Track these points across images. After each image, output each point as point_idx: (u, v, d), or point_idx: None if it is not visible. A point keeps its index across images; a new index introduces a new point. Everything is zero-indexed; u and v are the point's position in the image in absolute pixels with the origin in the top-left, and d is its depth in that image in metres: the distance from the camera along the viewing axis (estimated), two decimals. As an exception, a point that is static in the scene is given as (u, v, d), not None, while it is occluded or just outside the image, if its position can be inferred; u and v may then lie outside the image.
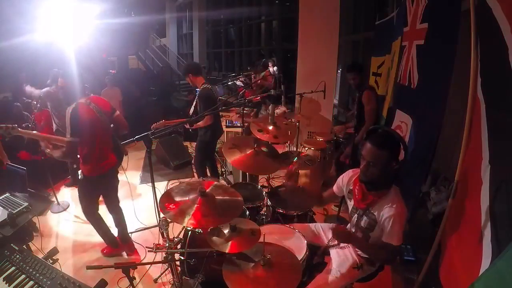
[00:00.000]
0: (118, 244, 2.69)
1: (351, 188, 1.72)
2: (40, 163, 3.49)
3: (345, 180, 1.80)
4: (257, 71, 5.85)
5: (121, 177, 2.65)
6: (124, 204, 2.78)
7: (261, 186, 2.71)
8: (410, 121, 2.44)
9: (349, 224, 1.84)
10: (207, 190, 1.63)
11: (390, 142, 1.47)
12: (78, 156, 2.31)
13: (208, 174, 3.57)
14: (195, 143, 3.36)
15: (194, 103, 3.18)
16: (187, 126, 3.26)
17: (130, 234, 2.74)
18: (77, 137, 2.14)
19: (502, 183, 1.27)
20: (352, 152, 3.05)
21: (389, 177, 1.51)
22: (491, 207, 1.32)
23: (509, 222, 1.19)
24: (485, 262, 1.27)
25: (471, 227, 1.45)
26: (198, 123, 3.04)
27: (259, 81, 5.45)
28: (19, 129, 2.20)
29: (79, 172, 2.39)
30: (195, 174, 4.20)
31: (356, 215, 1.69)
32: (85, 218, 3.16)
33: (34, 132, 2.34)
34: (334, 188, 1.88)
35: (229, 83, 6.00)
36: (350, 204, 1.76)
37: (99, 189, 2.47)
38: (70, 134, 2.12)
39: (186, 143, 5.36)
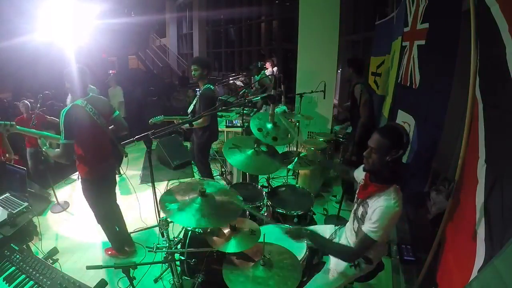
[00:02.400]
0: (124, 250, 2.69)
1: (361, 178, 1.75)
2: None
3: (361, 169, 1.82)
4: (252, 74, 5.81)
5: (121, 177, 2.65)
6: (124, 204, 2.78)
7: (261, 186, 2.72)
8: (413, 122, 2.44)
9: (348, 222, 1.85)
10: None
11: (393, 133, 1.53)
12: (75, 158, 2.26)
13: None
14: (194, 146, 3.29)
15: (194, 101, 3.15)
16: (184, 127, 3.22)
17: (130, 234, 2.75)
18: (71, 139, 2.09)
19: (496, 182, 1.27)
20: (357, 149, 3.04)
21: (389, 169, 1.53)
22: (486, 206, 1.32)
23: (502, 221, 1.19)
24: (478, 261, 1.27)
25: (467, 227, 1.45)
26: (198, 121, 3.02)
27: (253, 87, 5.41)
28: (17, 126, 2.25)
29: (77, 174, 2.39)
30: (195, 174, 4.20)
31: (356, 205, 1.72)
32: (85, 218, 3.19)
33: (32, 130, 2.33)
34: (355, 173, 1.92)
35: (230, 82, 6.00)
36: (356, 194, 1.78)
37: (100, 189, 2.43)
38: (64, 137, 2.06)
39: (186, 143, 5.37)
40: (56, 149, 2.16)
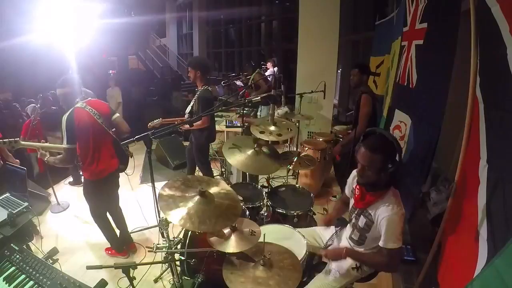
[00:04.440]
0: (124, 249, 2.69)
1: (353, 187, 1.73)
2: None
3: (350, 179, 1.81)
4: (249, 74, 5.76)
5: (123, 177, 2.65)
6: (125, 204, 2.78)
7: (261, 186, 2.71)
8: (409, 121, 2.44)
9: (348, 225, 1.84)
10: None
11: (383, 146, 1.47)
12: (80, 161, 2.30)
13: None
14: (193, 147, 3.27)
15: (192, 102, 3.13)
16: (184, 127, 3.21)
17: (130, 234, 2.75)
18: (74, 143, 2.13)
19: (498, 182, 1.27)
20: (350, 152, 3.03)
21: (386, 178, 1.51)
22: (488, 206, 1.32)
23: (504, 221, 1.19)
24: (481, 261, 1.27)
25: (469, 227, 1.45)
26: (197, 123, 3.01)
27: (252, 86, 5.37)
28: (21, 142, 2.28)
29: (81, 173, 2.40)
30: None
31: (354, 214, 1.70)
32: (85, 218, 3.20)
33: (37, 143, 2.37)
34: (346, 189, 1.88)
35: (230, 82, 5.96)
36: (351, 203, 1.77)
37: (102, 192, 2.45)
38: (66, 141, 2.10)
39: (186, 143, 5.36)
40: (59, 156, 2.19)
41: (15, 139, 2.25)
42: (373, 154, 1.45)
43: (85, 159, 2.26)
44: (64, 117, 2.11)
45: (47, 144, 2.43)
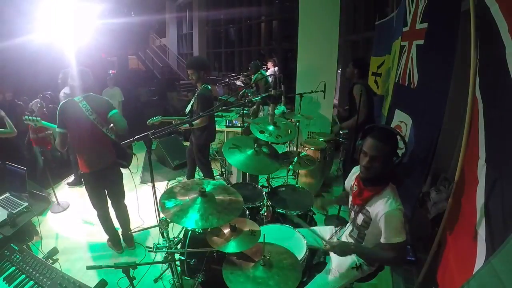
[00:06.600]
0: (121, 247, 2.73)
1: (352, 184, 1.73)
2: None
3: (350, 176, 1.81)
4: (250, 74, 5.75)
5: (125, 177, 2.66)
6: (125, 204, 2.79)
7: (261, 186, 2.71)
8: (410, 121, 2.44)
9: (348, 223, 1.85)
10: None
11: (391, 137, 1.49)
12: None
13: (187, 176, 3.52)
14: (193, 147, 3.27)
15: (192, 101, 3.12)
16: (182, 128, 3.20)
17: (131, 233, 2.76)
18: (62, 128, 2.27)
19: (496, 182, 1.27)
20: (353, 149, 3.05)
21: (389, 172, 1.51)
22: (486, 206, 1.32)
23: (503, 221, 1.19)
24: (479, 261, 1.27)
25: (467, 226, 1.45)
26: (196, 122, 3.01)
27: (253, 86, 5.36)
28: (41, 121, 2.63)
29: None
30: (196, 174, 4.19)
31: (353, 212, 1.70)
32: (85, 218, 3.20)
33: (51, 124, 2.59)
34: (346, 184, 1.89)
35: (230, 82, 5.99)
36: (350, 199, 1.77)
37: (98, 185, 2.47)
38: (57, 125, 2.29)
39: (186, 143, 5.37)
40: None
41: (37, 118, 2.62)
42: (383, 144, 1.45)
43: (76, 150, 2.43)
44: (59, 104, 2.28)
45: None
